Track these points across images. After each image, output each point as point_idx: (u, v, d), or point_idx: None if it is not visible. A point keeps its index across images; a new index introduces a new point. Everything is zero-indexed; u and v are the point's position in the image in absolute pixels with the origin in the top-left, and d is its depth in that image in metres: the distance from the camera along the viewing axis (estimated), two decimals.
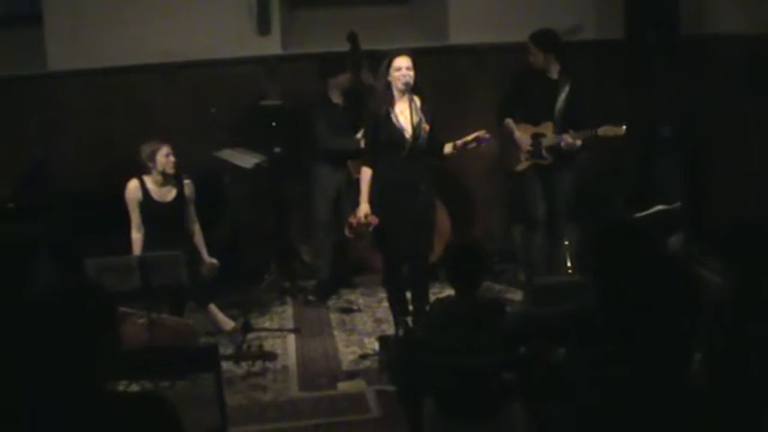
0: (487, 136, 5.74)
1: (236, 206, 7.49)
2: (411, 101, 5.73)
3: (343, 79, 7.18)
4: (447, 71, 7.75)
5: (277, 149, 7.18)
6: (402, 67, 5.68)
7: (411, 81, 5.68)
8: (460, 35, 7.83)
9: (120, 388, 5.05)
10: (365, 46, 7.18)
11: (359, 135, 6.80)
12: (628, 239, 3.51)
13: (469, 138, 5.73)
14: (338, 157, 7.16)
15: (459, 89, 7.82)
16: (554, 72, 6.73)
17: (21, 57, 7.63)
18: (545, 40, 6.67)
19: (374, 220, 5.83)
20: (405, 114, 5.72)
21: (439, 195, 6.34)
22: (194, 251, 6.41)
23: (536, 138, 6.74)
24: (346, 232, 6.13)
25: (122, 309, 5.44)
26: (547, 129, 6.71)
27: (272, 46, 7.76)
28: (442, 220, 6.91)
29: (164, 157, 6.31)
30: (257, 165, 6.98)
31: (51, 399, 2.83)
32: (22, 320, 3.05)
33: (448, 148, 5.83)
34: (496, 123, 6.82)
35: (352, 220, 5.96)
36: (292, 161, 7.39)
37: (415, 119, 5.71)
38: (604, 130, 6.43)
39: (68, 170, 7.39)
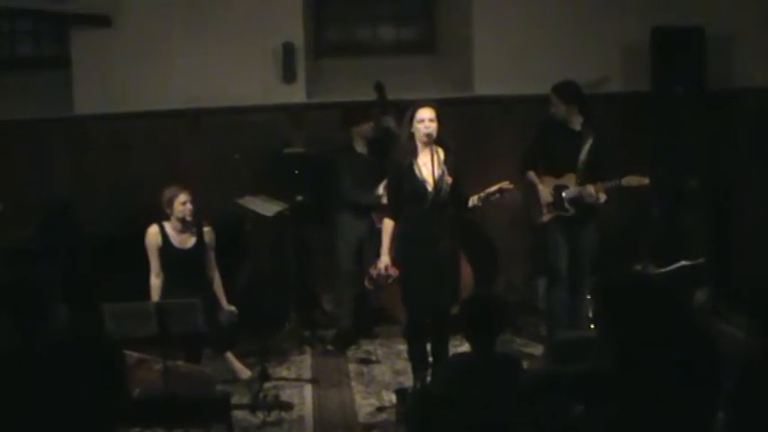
0: (510, 187, 5.68)
1: (257, 254, 7.50)
2: (434, 153, 5.72)
3: (368, 128, 7.18)
4: (472, 122, 7.74)
5: (300, 198, 7.18)
6: (425, 119, 5.68)
7: (434, 133, 5.68)
8: (486, 86, 7.88)
9: None
10: (390, 96, 7.21)
11: (381, 189, 6.75)
12: (639, 296, 3.47)
13: (492, 189, 5.67)
14: (361, 206, 7.09)
15: (483, 140, 7.81)
16: (577, 124, 6.68)
17: (48, 100, 7.75)
18: (567, 91, 6.65)
19: (395, 272, 5.85)
20: (427, 166, 5.71)
21: (461, 247, 6.22)
22: (213, 298, 6.42)
23: (558, 190, 6.68)
24: (366, 284, 6.19)
25: (139, 355, 5.45)
26: (569, 180, 6.66)
27: (297, 94, 7.84)
28: (465, 271, 6.65)
29: (181, 205, 6.31)
30: (279, 213, 6.94)
31: None
32: (31, 364, 3.07)
33: (471, 201, 5.77)
34: (519, 175, 6.74)
35: (373, 271, 6.01)
36: (315, 209, 7.35)
37: (438, 171, 5.69)
38: (628, 180, 6.39)
39: (92, 213, 7.44)
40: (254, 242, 7.42)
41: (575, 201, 6.65)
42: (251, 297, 7.06)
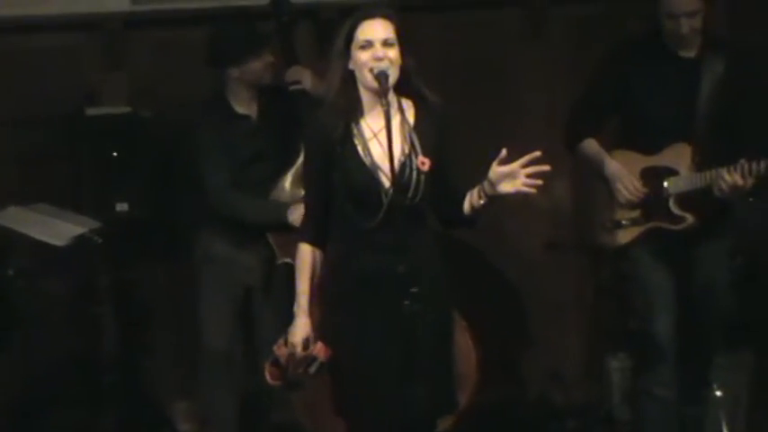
0: (537, 162, 5.17)
1: (33, 330, 7.31)
2: (398, 108, 5.35)
3: (257, 68, 6.92)
4: (468, 41, 7.69)
5: (122, 206, 7.18)
6: (375, 42, 5.22)
7: (392, 68, 5.22)
8: None
9: None
10: None
11: (286, 183, 6.65)
12: None
13: (507, 169, 5.18)
14: (247, 219, 6.88)
15: (491, 73, 7.73)
16: (693, 44, 6.36)
17: None
18: None
19: (322, 352, 5.41)
20: (381, 139, 5.29)
21: (456, 301, 5.76)
22: None
23: (654, 177, 6.45)
24: (267, 376, 5.66)
25: None
26: (677, 157, 6.42)
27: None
28: (464, 350, 6.46)
29: None
30: (81, 239, 6.73)
31: None
32: None
33: (471, 200, 5.34)
34: (567, 146, 6.56)
35: (280, 351, 5.52)
36: (153, 230, 7.35)
37: (402, 148, 5.32)
38: None
39: None
40: (25, 302, 7.17)
41: (690, 199, 6.35)
42: (18, 420, 7.04)
